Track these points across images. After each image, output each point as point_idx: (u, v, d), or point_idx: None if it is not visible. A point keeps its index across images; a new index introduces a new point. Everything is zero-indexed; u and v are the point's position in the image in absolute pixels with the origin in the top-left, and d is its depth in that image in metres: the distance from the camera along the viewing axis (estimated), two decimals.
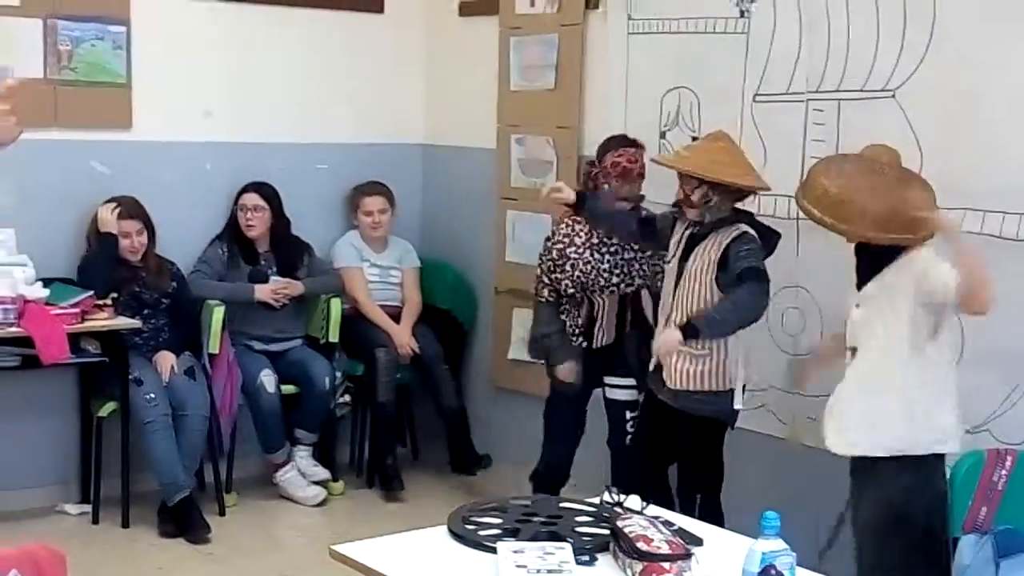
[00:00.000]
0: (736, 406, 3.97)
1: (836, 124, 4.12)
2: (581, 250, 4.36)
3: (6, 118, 2.48)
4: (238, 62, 5.41)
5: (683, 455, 4.08)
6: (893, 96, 3.95)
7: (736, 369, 3.94)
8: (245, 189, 5.30)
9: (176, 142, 5.27)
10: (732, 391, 3.95)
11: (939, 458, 3.35)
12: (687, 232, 4.01)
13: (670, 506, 3.85)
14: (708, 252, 3.91)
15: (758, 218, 4.04)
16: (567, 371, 4.42)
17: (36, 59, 4.86)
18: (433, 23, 5.84)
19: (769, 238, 3.97)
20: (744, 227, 3.93)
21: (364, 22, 5.72)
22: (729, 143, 4.00)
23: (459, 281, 5.73)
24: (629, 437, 4.36)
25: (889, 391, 3.32)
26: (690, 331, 3.88)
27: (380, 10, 5.76)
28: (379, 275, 5.57)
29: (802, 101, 4.22)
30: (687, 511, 3.95)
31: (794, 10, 4.23)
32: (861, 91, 4.04)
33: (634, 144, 4.34)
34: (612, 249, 4.36)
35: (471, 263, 5.69)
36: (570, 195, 4.29)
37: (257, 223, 5.28)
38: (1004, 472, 3.23)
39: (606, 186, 4.30)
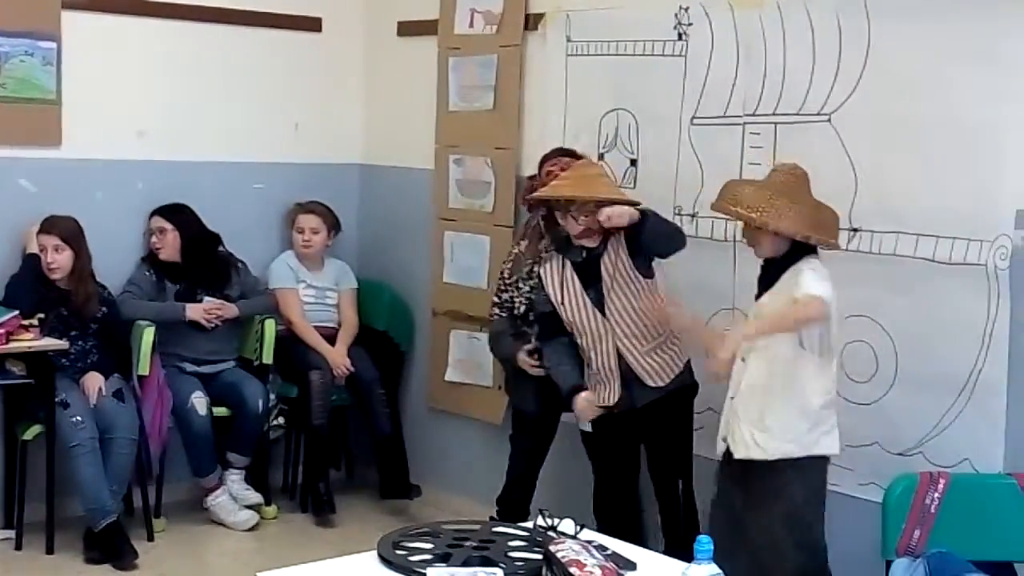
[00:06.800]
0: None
1: (772, 147, 4.13)
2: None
3: None
4: (173, 80, 5.33)
5: (660, 438, 4.08)
6: (829, 120, 3.97)
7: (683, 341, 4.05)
8: (153, 212, 5.21)
9: (107, 160, 5.17)
10: (689, 359, 4.03)
11: (827, 460, 3.50)
12: (568, 267, 4.02)
13: (638, 524, 3.86)
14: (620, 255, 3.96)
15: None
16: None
17: None
18: (371, 43, 5.81)
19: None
20: None
21: (302, 41, 5.66)
22: None
23: (396, 302, 5.68)
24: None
25: (785, 395, 3.42)
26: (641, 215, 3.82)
27: (318, 29, 5.72)
28: (315, 296, 5.50)
29: (739, 124, 4.23)
30: (670, 506, 4.01)
31: (731, 34, 4.25)
32: (797, 115, 4.06)
33: (572, 154, 4.35)
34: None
35: (408, 284, 5.64)
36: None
37: (165, 246, 5.19)
38: (937, 495, 3.24)
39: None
